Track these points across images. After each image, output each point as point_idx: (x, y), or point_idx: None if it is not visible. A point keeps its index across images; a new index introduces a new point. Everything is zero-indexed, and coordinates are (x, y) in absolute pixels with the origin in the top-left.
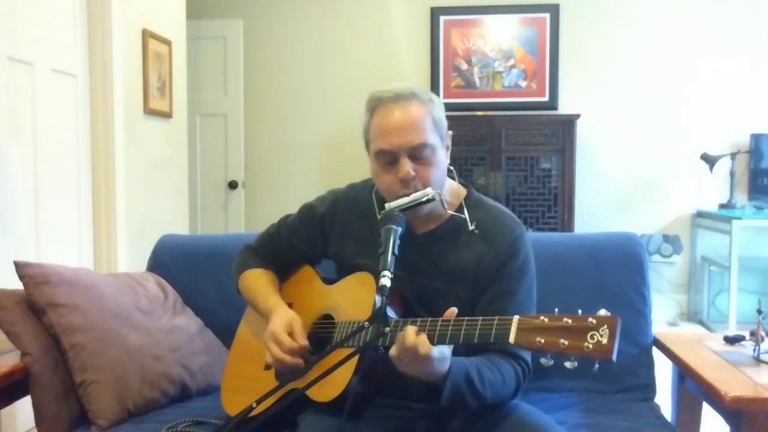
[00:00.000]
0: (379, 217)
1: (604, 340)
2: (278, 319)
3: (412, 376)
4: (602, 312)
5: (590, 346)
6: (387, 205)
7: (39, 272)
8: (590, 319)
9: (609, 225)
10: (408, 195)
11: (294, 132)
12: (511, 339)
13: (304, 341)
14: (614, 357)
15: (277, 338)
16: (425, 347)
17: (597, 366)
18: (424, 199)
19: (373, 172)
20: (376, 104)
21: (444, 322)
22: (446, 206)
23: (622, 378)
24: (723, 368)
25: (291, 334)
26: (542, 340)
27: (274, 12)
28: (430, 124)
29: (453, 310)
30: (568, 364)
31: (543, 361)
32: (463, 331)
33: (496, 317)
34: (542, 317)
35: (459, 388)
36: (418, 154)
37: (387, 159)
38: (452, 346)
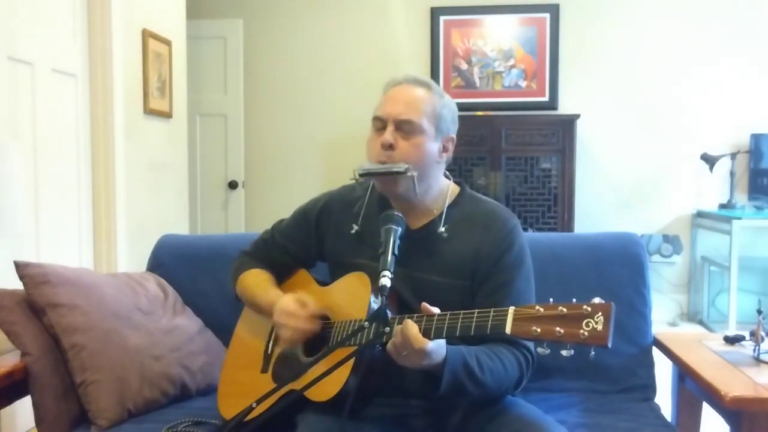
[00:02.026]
0: (361, 179)
1: (599, 327)
2: (284, 300)
3: (411, 367)
4: (596, 300)
5: (586, 333)
6: (358, 167)
7: (39, 272)
8: (585, 307)
9: (609, 225)
10: (383, 163)
11: (294, 132)
12: (508, 329)
13: (317, 307)
14: (609, 343)
15: (290, 312)
16: (420, 342)
17: (593, 353)
18: (391, 170)
19: (367, 141)
20: (391, 84)
21: (440, 316)
22: (417, 191)
23: (622, 378)
24: (723, 368)
25: (302, 304)
26: (538, 330)
27: (274, 12)
28: (429, 111)
29: (425, 305)
30: (564, 353)
31: (540, 350)
32: (459, 324)
33: (492, 309)
34: (537, 307)
35: (457, 375)
36: (403, 127)
37: (378, 125)
38: None
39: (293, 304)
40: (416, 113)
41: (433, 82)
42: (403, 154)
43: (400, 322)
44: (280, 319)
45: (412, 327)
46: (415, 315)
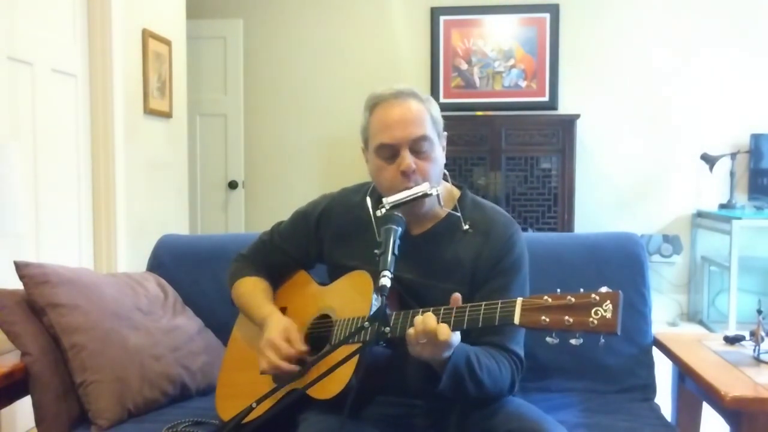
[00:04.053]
0: (373, 214)
1: (608, 315)
2: (274, 326)
3: (417, 357)
4: (604, 289)
5: (595, 321)
6: (385, 200)
7: (39, 272)
8: (593, 296)
9: (609, 225)
10: (409, 189)
11: (294, 132)
12: (516, 320)
13: (301, 346)
14: (619, 331)
15: (274, 345)
16: (446, 333)
17: (602, 341)
18: (420, 194)
19: (372, 169)
20: (376, 102)
21: (447, 309)
22: (442, 204)
23: (622, 378)
24: (723, 368)
25: (288, 340)
26: (547, 319)
27: (274, 12)
28: (429, 120)
29: (457, 296)
30: (573, 341)
31: (549, 339)
32: (467, 316)
33: (500, 301)
34: (545, 297)
35: (459, 369)
36: (418, 147)
37: (388, 153)
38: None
39: (279, 339)
40: (423, 127)
41: (413, 87)
42: (424, 175)
43: (405, 318)
44: (263, 348)
45: (442, 324)
46: (420, 310)
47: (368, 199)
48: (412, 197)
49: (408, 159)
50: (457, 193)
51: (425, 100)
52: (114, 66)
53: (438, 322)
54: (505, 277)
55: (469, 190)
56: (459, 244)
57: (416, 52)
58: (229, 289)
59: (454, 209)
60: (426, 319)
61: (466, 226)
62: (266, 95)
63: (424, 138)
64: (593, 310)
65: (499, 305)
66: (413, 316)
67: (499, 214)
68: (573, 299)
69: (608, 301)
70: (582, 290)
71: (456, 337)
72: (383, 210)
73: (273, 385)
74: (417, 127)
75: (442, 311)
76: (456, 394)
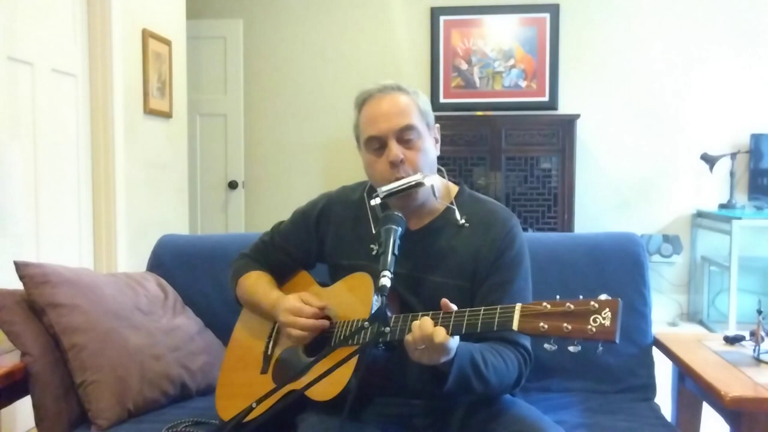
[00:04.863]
0: (369, 205)
1: (607, 323)
2: (288, 300)
3: (418, 362)
4: (603, 296)
5: (593, 329)
6: (378, 189)
7: (39, 272)
8: (592, 303)
9: (609, 225)
10: (399, 180)
11: (294, 132)
12: (515, 326)
13: (319, 302)
14: (617, 339)
15: (294, 309)
16: (441, 336)
17: (600, 348)
18: (413, 183)
19: (365, 165)
20: (364, 98)
21: (446, 314)
22: (437, 195)
23: (622, 378)
24: (723, 368)
25: (304, 302)
26: (546, 326)
27: (274, 12)
28: (416, 111)
29: (446, 301)
30: (571, 348)
31: (547, 346)
32: (465, 321)
33: (498, 306)
34: (544, 303)
35: (464, 371)
36: (405, 136)
37: (376, 145)
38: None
39: (297, 303)
40: (409, 117)
41: (399, 82)
42: (413, 165)
43: (405, 320)
44: (287, 318)
45: (438, 327)
46: (420, 314)
47: (366, 196)
48: (405, 186)
49: (395, 149)
50: (454, 189)
51: (412, 92)
52: (114, 66)
53: (435, 326)
54: (507, 272)
55: (467, 187)
56: (456, 237)
57: (416, 52)
58: (233, 287)
59: (452, 204)
60: (422, 324)
61: (462, 220)
62: (266, 95)
63: (409, 128)
64: (592, 318)
65: (498, 310)
66: (412, 320)
67: (498, 208)
68: (572, 306)
69: (607, 309)
70: (581, 297)
71: (454, 341)
72: (377, 199)
73: (273, 385)
74: (402, 118)
75: (441, 316)
76: (461, 394)
